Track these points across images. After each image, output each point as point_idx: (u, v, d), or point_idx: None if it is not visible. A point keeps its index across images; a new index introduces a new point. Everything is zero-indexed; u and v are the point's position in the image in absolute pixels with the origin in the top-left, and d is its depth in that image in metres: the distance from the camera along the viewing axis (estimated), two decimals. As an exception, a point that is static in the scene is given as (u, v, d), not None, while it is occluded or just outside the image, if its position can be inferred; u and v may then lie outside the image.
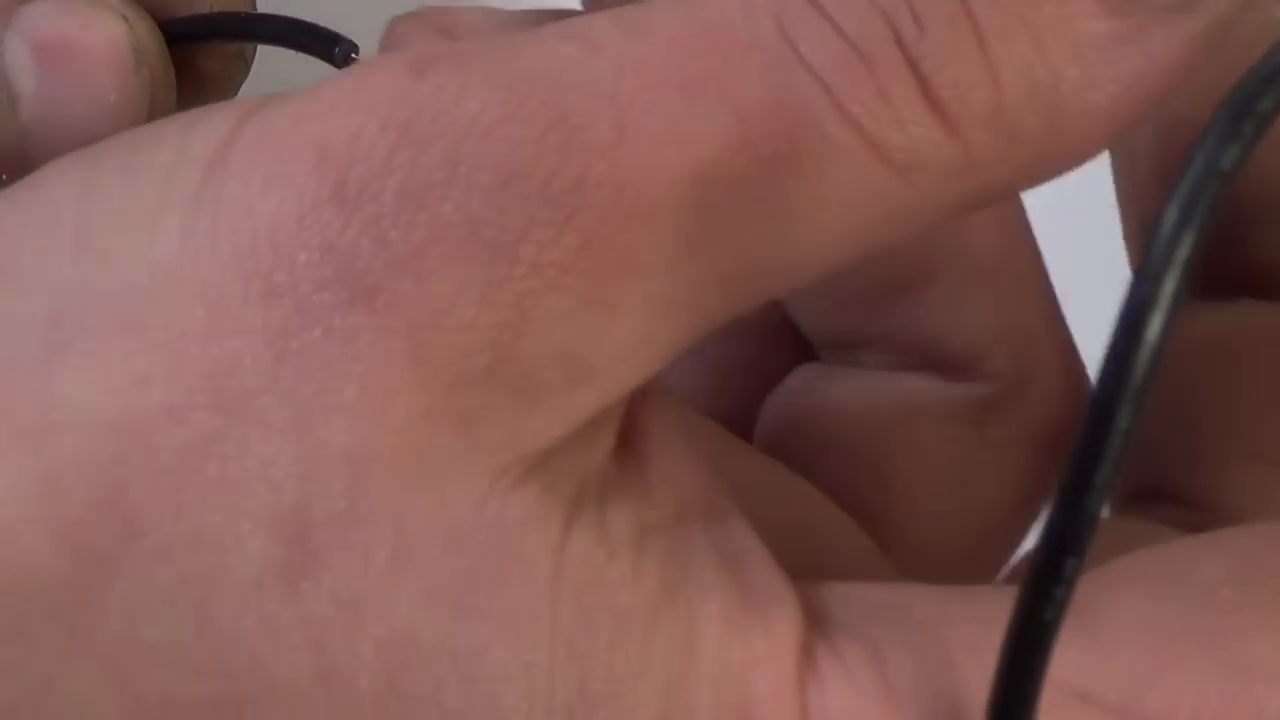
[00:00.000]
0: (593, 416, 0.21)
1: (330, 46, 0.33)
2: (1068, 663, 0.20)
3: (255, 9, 0.36)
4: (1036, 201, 0.29)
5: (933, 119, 0.21)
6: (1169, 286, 0.18)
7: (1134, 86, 0.20)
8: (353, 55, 0.33)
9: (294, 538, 0.20)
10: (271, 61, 0.37)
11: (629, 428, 0.23)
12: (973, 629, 0.21)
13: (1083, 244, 0.41)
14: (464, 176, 0.20)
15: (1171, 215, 0.18)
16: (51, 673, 0.20)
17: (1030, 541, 0.30)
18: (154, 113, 0.34)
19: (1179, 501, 0.27)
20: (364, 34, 0.34)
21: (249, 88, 0.37)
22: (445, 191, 0.20)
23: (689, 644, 0.20)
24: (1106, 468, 0.18)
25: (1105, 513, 0.19)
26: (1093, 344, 0.22)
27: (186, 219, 0.21)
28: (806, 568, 0.22)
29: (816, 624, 0.21)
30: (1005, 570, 0.30)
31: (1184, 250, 0.18)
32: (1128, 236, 0.31)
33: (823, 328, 0.31)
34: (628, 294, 0.21)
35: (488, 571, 0.20)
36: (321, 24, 0.34)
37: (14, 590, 0.20)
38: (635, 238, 0.21)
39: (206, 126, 0.22)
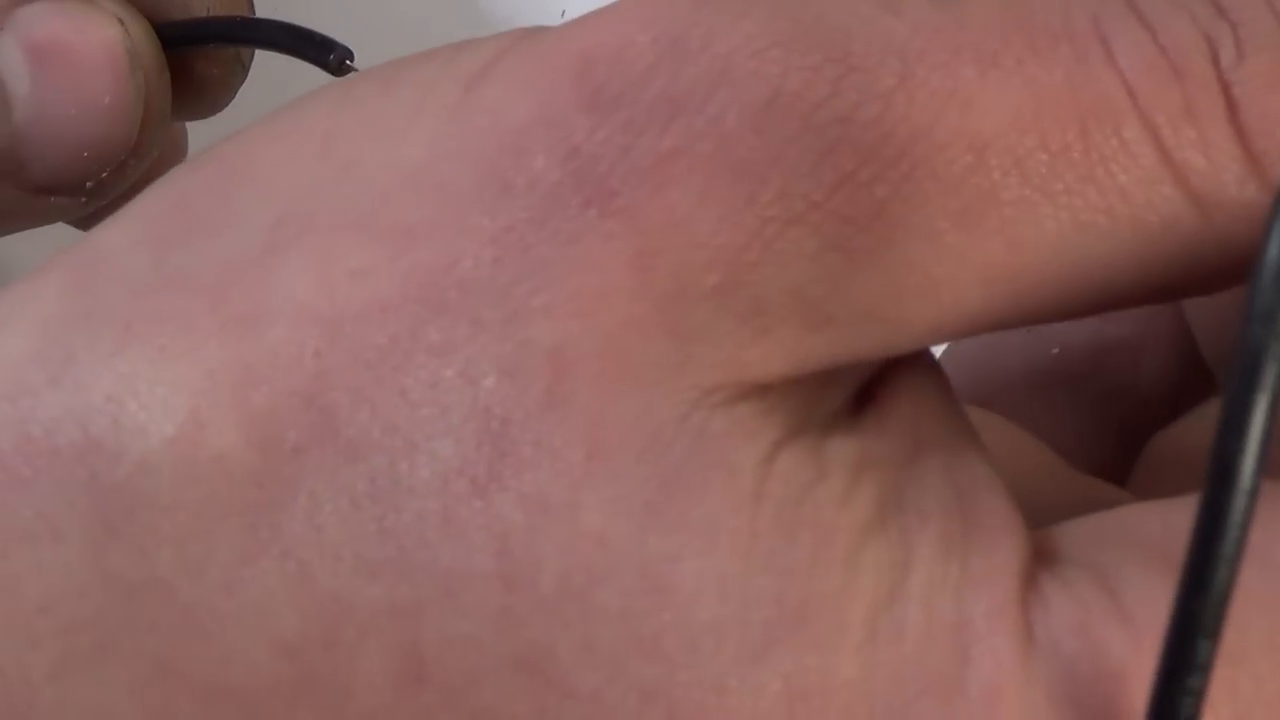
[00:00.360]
0: (825, 367, 0.20)
1: (325, 52, 0.33)
2: None
3: (253, 13, 0.36)
4: None
5: (1238, 150, 0.20)
6: None
7: None
8: (347, 61, 0.33)
9: (486, 436, 0.19)
10: (273, 67, 0.37)
11: (874, 383, 0.22)
12: None
13: None
14: (725, 91, 0.20)
15: (1273, 258, 0.17)
16: (232, 574, 0.19)
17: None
18: (149, 116, 0.34)
19: None
20: (360, 40, 0.34)
21: (247, 92, 0.37)
22: (702, 104, 0.20)
23: (901, 564, 0.19)
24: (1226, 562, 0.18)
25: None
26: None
27: (439, 125, 0.20)
28: None
29: (1043, 557, 0.20)
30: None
31: None
32: None
33: (1213, 352, 0.29)
34: (878, 251, 0.20)
35: (685, 479, 0.19)
36: (318, 30, 0.34)
37: (200, 483, 0.19)
38: (895, 191, 0.20)
39: (477, 46, 0.21)
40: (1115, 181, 0.20)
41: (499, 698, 0.19)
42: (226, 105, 0.37)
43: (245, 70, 0.36)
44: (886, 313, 0.20)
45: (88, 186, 0.34)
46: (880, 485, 0.20)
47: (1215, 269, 0.20)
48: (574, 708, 0.19)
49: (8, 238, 0.37)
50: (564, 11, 0.45)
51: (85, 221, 0.38)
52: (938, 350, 0.23)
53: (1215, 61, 0.20)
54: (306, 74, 0.34)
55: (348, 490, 0.19)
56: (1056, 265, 0.20)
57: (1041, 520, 0.21)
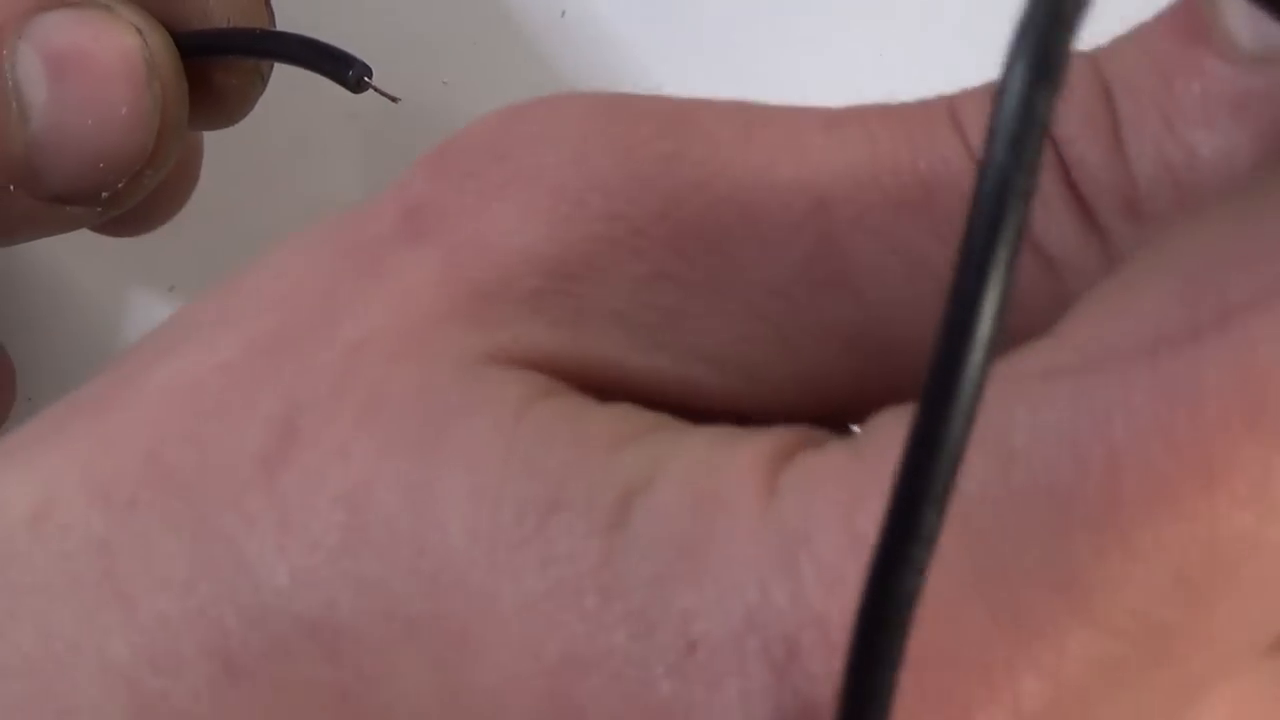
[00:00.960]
0: (662, 397, 0.21)
1: (344, 68, 0.33)
2: (1023, 361, 0.18)
3: (273, 25, 0.36)
4: None
5: (1071, 201, 0.20)
6: (1031, 149, 0.15)
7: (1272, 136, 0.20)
8: (366, 79, 0.32)
9: (282, 431, 0.20)
10: (291, 79, 0.36)
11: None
12: None
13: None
14: (548, 135, 0.21)
15: (1028, 54, 0.15)
16: (77, 632, 0.20)
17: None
18: (165, 126, 0.34)
19: None
20: (381, 57, 0.34)
21: (265, 103, 0.37)
22: (531, 144, 0.21)
23: (667, 456, 0.19)
24: (969, 394, 0.16)
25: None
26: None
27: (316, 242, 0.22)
28: None
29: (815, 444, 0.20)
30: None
31: (1045, 101, 0.15)
32: None
33: None
34: (720, 291, 0.21)
35: (452, 412, 0.20)
36: (328, 33, 0.34)
37: (50, 553, 0.20)
38: (729, 233, 0.20)
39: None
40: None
41: (300, 670, 0.19)
42: (244, 116, 0.37)
43: (264, 81, 0.36)
44: (731, 357, 0.21)
45: (103, 196, 0.34)
46: (662, 416, 0.20)
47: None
48: (369, 661, 0.19)
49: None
50: (564, 12, 0.44)
51: (103, 229, 0.38)
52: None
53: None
54: (324, 87, 0.34)
55: (172, 521, 0.20)
56: (915, 325, 0.21)
57: None
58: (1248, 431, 0.17)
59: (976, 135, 0.20)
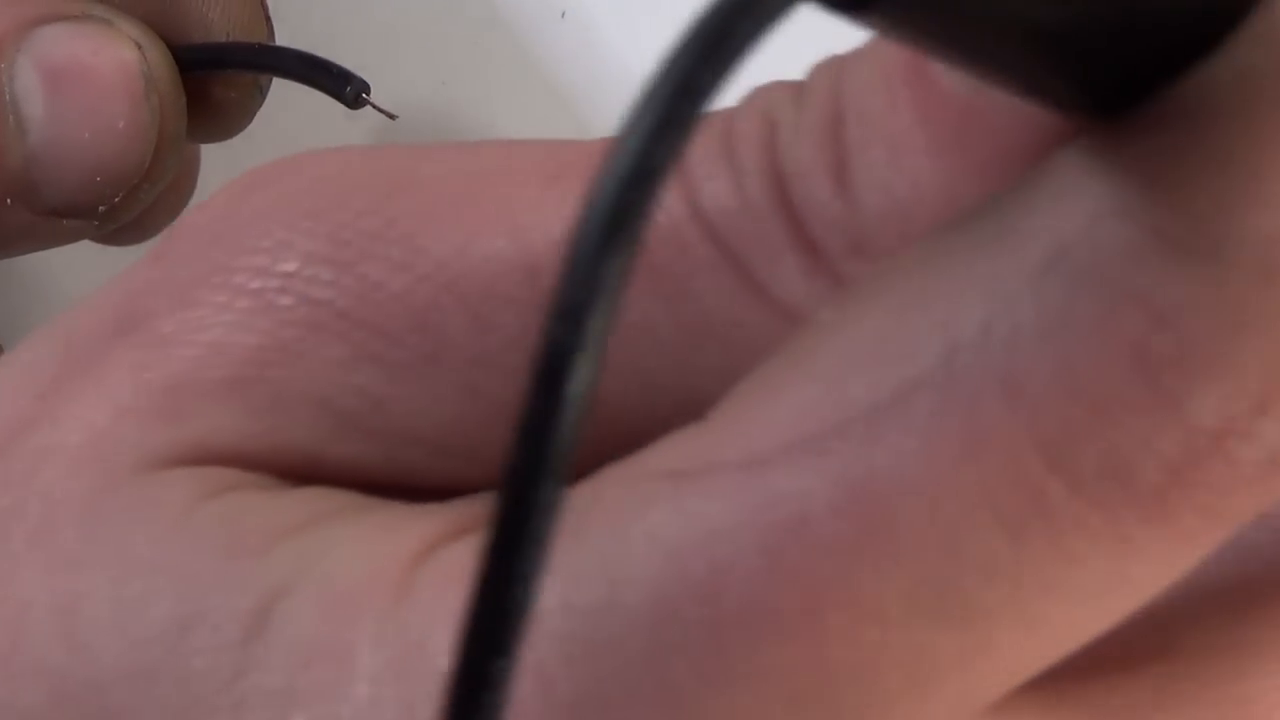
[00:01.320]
0: (360, 478, 0.20)
1: (342, 85, 0.32)
2: (658, 456, 0.17)
3: (273, 39, 0.36)
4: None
5: (798, 244, 0.18)
6: (596, 324, 0.13)
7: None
8: (364, 95, 0.32)
9: None
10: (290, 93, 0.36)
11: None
12: None
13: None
14: (259, 217, 0.20)
15: (595, 221, 0.12)
16: None
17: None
18: (163, 140, 0.34)
19: None
20: (380, 58, 0.34)
21: (263, 116, 0.37)
22: (241, 230, 0.20)
23: (317, 553, 0.19)
24: (530, 555, 0.14)
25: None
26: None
27: None
28: None
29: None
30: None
31: (614, 271, 0.13)
32: None
33: None
34: (423, 365, 0.20)
35: (112, 523, 0.19)
36: (337, 45, 0.34)
37: None
38: (436, 308, 0.19)
39: None
40: (692, 297, 0.19)
41: None
42: (243, 129, 0.37)
43: (263, 95, 0.36)
44: (447, 439, 0.20)
45: (100, 210, 0.34)
46: (330, 503, 0.20)
47: None
48: None
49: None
50: (564, 12, 0.44)
51: (106, 239, 0.38)
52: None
53: (770, 145, 0.19)
54: (323, 101, 0.34)
55: None
56: (643, 392, 0.19)
57: None
58: (857, 553, 0.16)
59: (696, 161, 0.19)
